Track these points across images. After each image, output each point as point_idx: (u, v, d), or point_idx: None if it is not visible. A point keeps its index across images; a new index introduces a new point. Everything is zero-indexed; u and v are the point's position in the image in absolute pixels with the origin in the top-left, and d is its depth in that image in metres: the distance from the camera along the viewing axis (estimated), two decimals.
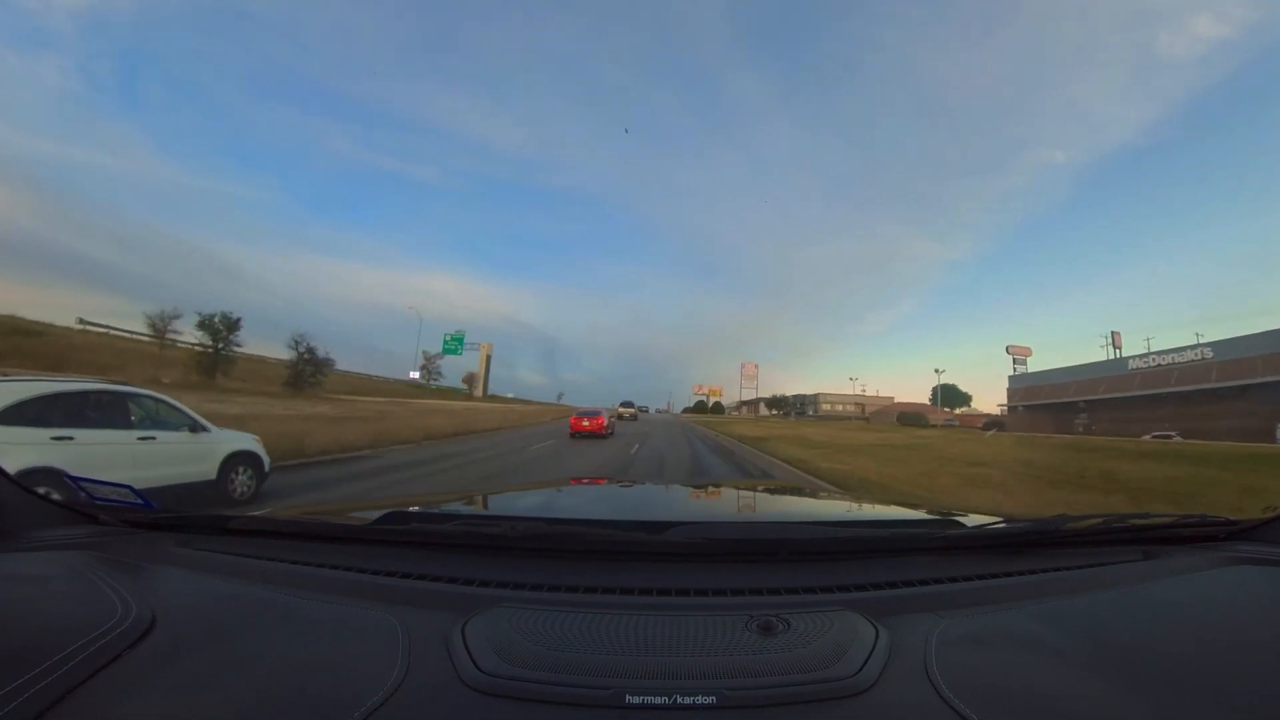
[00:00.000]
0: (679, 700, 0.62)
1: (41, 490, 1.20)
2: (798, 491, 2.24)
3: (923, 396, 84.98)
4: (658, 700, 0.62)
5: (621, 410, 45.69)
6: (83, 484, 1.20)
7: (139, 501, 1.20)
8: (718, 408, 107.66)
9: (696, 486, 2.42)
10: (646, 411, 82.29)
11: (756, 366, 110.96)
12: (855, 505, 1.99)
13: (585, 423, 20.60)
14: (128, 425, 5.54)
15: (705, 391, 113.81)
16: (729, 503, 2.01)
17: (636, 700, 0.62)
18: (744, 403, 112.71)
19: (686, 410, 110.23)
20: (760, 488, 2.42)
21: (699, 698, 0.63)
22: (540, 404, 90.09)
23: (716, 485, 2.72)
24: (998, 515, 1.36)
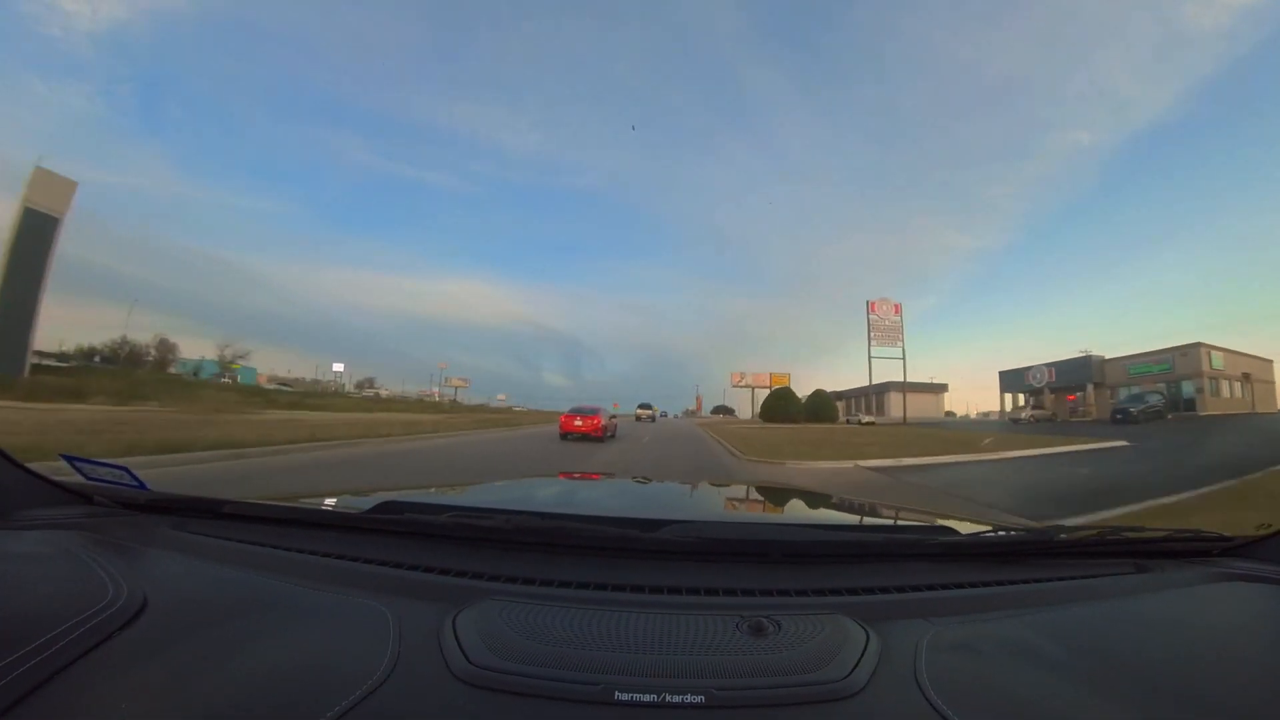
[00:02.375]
0: (668, 698, 0.63)
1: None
2: (793, 494, 2.24)
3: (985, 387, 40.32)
4: (646, 698, 0.62)
5: (640, 412, 45.24)
6: (78, 464, 1.20)
7: (134, 483, 1.19)
8: (821, 408, 51.88)
9: (692, 485, 2.42)
10: (666, 416, 72.36)
11: (899, 309, 50.86)
12: (850, 510, 1.99)
13: (578, 422, 18.17)
14: None
15: (761, 382, 60.02)
16: (723, 502, 2.00)
17: (625, 697, 0.62)
18: (860, 393, 59.54)
19: (718, 411, 70.33)
20: (755, 489, 2.41)
21: (687, 696, 0.63)
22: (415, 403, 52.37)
23: (712, 484, 2.73)
24: (991, 524, 1.36)
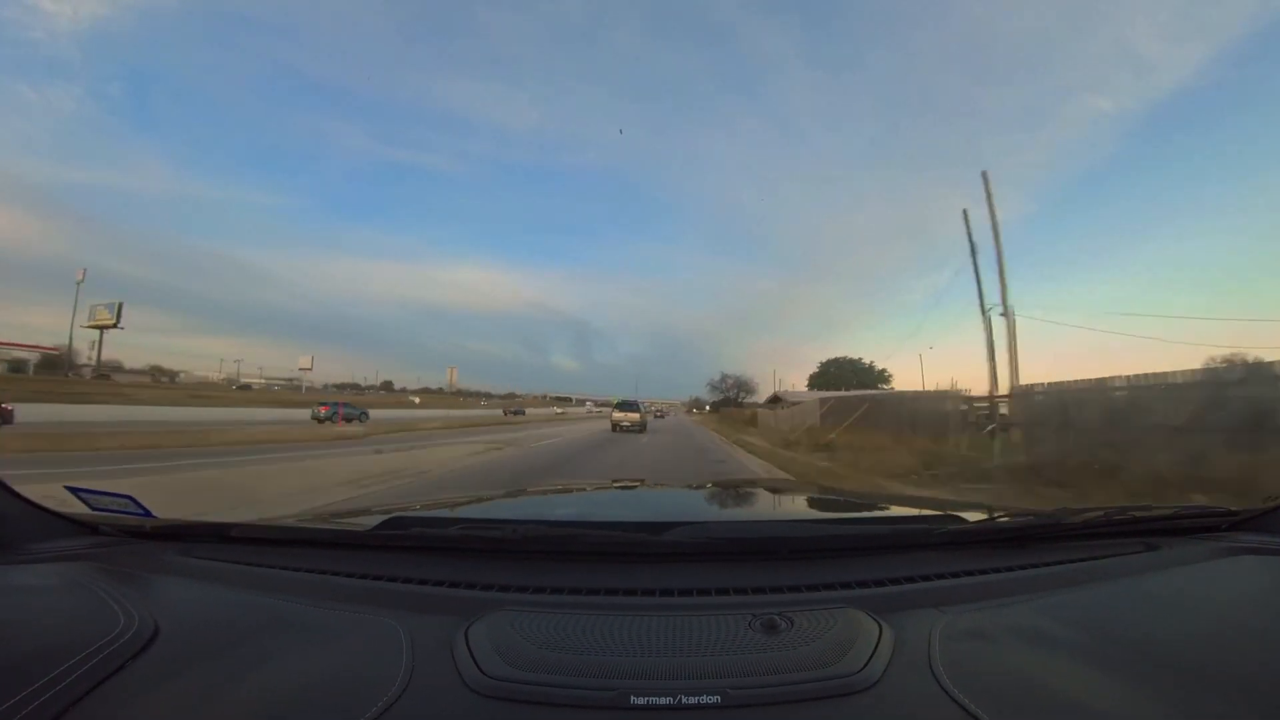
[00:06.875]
0: (683, 700, 0.62)
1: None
2: (799, 489, 2.26)
3: None
4: (662, 700, 0.62)
5: (617, 415, 27.33)
6: (83, 494, 1.20)
7: (139, 511, 1.19)
8: None
9: (697, 487, 2.42)
10: (663, 417, 58.88)
11: None
12: (857, 502, 1.99)
13: None
14: None
15: None
16: (730, 502, 2.00)
17: (641, 701, 0.62)
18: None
19: (775, 402, 42.72)
20: (761, 487, 2.42)
21: (703, 697, 0.63)
22: None
23: (717, 485, 2.74)
24: (998, 510, 1.37)
